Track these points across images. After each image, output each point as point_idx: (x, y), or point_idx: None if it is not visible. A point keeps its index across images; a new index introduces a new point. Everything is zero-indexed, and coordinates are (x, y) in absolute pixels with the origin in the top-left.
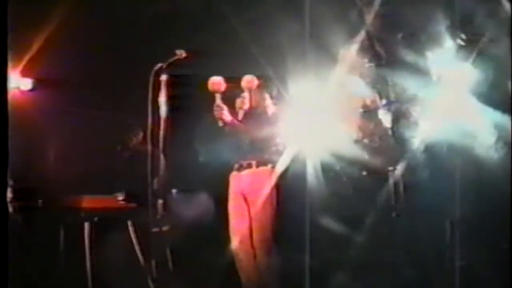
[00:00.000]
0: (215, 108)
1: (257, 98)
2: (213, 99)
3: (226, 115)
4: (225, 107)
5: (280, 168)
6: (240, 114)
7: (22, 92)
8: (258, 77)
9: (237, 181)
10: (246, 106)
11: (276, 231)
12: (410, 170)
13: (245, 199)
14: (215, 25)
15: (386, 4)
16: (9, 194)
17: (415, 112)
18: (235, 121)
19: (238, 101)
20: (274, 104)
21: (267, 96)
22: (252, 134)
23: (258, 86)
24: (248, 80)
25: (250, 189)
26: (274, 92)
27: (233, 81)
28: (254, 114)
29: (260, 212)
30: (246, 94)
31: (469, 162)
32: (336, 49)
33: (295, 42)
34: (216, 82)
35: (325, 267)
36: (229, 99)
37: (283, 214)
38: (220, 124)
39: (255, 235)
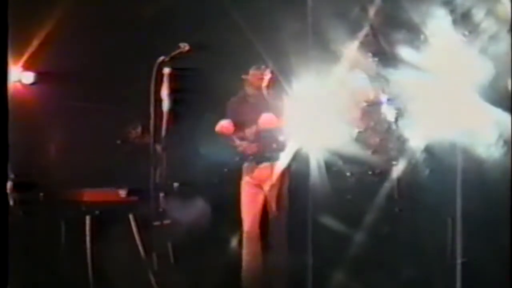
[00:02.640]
0: (239, 150)
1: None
2: None
3: (253, 148)
4: (244, 143)
5: (285, 162)
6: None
7: (24, 86)
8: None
9: (254, 172)
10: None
11: (287, 222)
12: (412, 165)
13: (262, 190)
14: (218, 19)
15: (391, 5)
16: (10, 188)
17: (416, 107)
18: (262, 147)
19: (247, 132)
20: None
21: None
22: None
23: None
24: (267, 121)
25: (266, 180)
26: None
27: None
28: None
29: (274, 203)
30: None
31: (470, 159)
32: (339, 44)
33: (298, 36)
34: (226, 125)
35: (328, 261)
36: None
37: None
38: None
39: (270, 226)
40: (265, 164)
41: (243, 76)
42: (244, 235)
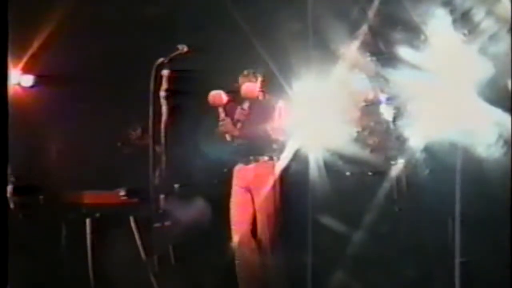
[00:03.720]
0: (221, 123)
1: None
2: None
3: (233, 129)
4: (229, 120)
5: (283, 162)
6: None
7: (23, 88)
8: (259, 74)
9: (243, 174)
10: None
11: (280, 224)
12: (412, 165)
13: (250, 192)
14: (217, 20)
15: (392, 5)
16: (10, 191)
17: (415, 107)
18: (243, 133)
19: (238, 112)
20: (277, 99)
21: (270, 93)
22: (256, 135)
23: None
24: (249, 89)
25: (255, 182)
26: (277, 88)
27: (233, 92)
28: (258, 112)
29: (265, 205)
30: (246, 105)
31: (470, 159)
32: (339, 44)
33: (297, 37)
34: (217, 95)
35: (328, 261)
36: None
37: (286, 208)
38: (228, 138)
39: (259, 229)
40: (255, 164)
41: (235, 84)
42: (235, 242)
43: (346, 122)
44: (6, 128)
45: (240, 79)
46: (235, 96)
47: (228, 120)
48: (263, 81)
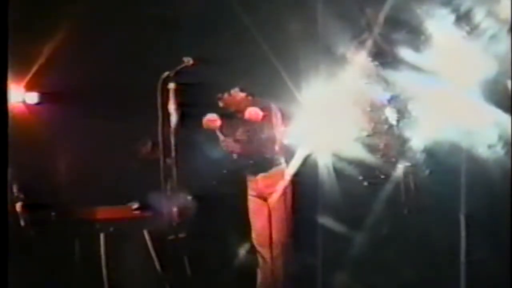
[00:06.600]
0: (222, 145)
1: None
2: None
3: (237, 148)
4: (230, 139)
5: (293, 168)
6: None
7: (28, 106)
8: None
9: (255, 184)
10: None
11: (292, 228)
12: (417, 166)
13: (265, 200)
14: (222, 29)
15: (392, 7)
16: (20, 208)
17: (421, 109)
18: (245, 151)
19: (239, 134)
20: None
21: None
22: (258, 152)
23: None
24: (252, 114)
25: (268, 190)
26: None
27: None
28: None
29: (277, 211)
30: (248, 127)
31: (474, 160)
32: (347, 48)
33: (306, 42)
34: (212, 119)
35: (336, 264)
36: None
37: (297, 213)
38: (235, 156)
39: (274, 234)
40: (264, 174)
41: (220, 104)
42: (255, 244)
43: (354, 127)
44: (6, 138)
45: (225, 97)
46: (229, 116)
47: (228, 140)
48: (245, 97)
